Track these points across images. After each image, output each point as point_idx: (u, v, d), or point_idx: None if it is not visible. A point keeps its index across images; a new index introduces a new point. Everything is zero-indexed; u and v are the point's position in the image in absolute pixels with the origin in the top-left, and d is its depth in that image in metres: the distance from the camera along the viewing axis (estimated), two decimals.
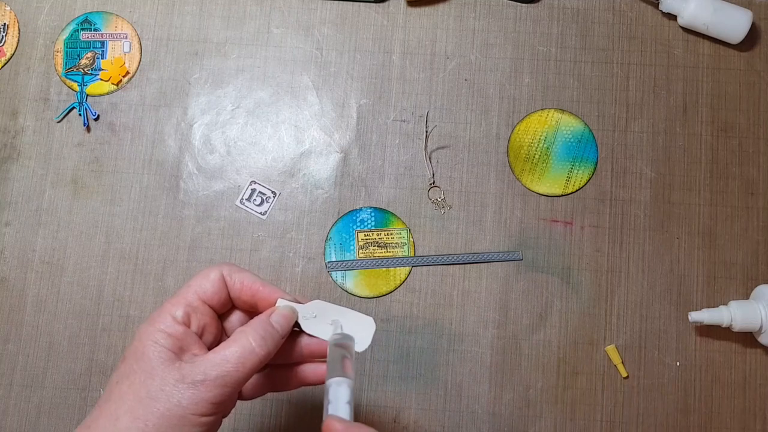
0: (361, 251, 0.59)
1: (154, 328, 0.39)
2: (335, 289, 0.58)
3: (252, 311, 0.43)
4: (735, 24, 0.59)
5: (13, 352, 0.57)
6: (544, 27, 0.62)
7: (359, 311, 0.43)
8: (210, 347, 0.41)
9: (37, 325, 0.58)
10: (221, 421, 0.40)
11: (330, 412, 0.37)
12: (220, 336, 0.42)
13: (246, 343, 0.39)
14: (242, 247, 0.59)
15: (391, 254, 0.59)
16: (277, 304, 0.42)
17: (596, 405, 0.56)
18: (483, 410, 0.56)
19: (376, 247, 0.59)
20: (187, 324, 0.40)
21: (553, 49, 0.62)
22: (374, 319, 0.42)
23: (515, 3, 0.63)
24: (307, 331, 0.43)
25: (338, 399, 0.38)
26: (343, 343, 0.41)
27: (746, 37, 0.60)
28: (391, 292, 0.58)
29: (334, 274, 0.58)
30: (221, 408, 0.38)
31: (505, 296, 0.58)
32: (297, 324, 0.43)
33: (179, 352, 0.39)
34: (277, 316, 0.41)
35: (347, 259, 0.59)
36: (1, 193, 0.60)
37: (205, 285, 0.41)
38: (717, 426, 0.56)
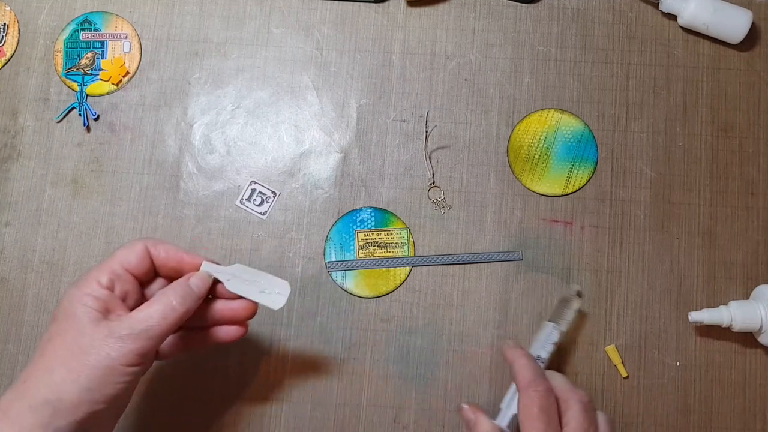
0: (361, 251, 0.59)
1: (82, 291, 0.43)
2: (335, 289, 0.58)
3: (176, 278, 0.47)
4: (735, 24, 0.59)
5: (13, 352, 0.57)
6: (544, 27, 0.62)
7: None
8: (132, 310, 0.45)
9: (37, 325, 0.58)
10: (140, 376, 0.45)
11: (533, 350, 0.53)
12: (141, 301, 0.46)
13: (167, 302, 0.44)
14: (242, 247, 0.59)
15: (391, 254, 0.59)
16: (201, 269, 0.47)
17: (596, 405, 0.56)
18: None
19: (376, 247, 0.59)
20: (111, 289, 0.44)
21: (553, 49, 0.62)
22: (289, 282, 0.48)
23: (515, 3, 0.63)
24: (231, 290, 0.47)
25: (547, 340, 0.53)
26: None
27: (746, 37, 0.60)
28: (391, 292, 0.58)
29: (334, 274, 0.58)
30: (145, 359, 0.43)
31: (505, 296, 0.58)
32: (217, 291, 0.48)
33: (105, 312, 0.43)
34: (195, 279, 0.46)
35: (347, 259, 0.59)
36: (1, 193, 0.60)
37: (129, 256, 0.45)
38: (717, 426, 0.56)
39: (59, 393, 0.40)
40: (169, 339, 0.48)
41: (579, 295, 0.56)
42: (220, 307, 0.48)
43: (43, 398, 0.40)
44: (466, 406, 0.49)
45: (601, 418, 0.47)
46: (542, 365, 0.53)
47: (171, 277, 0.48)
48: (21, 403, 0.40)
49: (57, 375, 0.40)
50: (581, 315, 0.57)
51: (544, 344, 0.53)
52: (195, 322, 0.47)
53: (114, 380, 0.41)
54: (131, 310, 0.44)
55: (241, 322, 0.48)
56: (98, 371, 0.41)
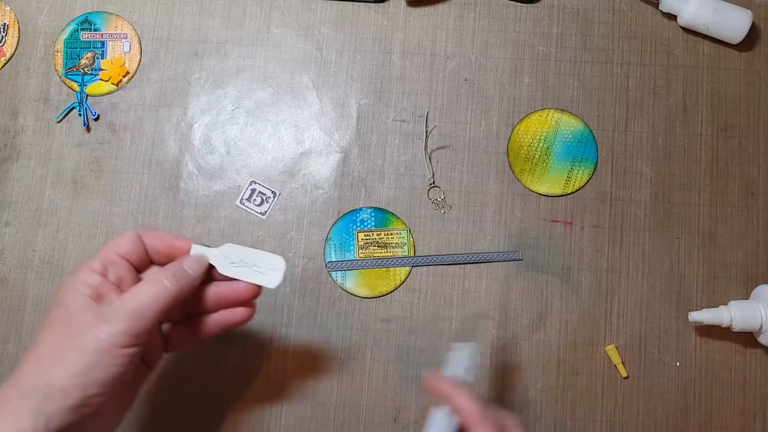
0: (361, 251, 0.59)
1: (74, 279, 0.42)
2: (335, 289, 0.58)
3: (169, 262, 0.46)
4: (735, 24, 0.59)
5: (13, 352, 0.57)
6: (544, 27, 0.62)
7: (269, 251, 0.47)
8: None
9: (37, 325, 0.58)
10: (146, 370, 0.46)
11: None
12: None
13: (157, 280, 0.43)
14: None
15: (391, 254, 0.59)
16: (191, 252, 0.46)
17: (596, 405, 0.56)
18: None
19: (376, 247, 0.59)
20: (104, 275, 0.43)
21: (553, 49, 0.62)
22: (283, 258, 0.47)
23: (515, 3, 0.63)
24: (223, 273, 0.46)
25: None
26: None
27: (746, 37, 0.60)
28: (391, 292, 0.58)
29: (334, 274, 0.58)
30: (138, 340, 0.41)
31: (505, 296, 0.58)
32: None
33: (97, 298, 0.42)
34: (188, 261, 0.45)
35: (347, 259, 0.59)
36: (1, 193, 0.60)
37: (121, 242, 0.44)
38: (717, 426, 0.56)
39: (48, 379, 0.39)
40: (176, 329, 0.47)
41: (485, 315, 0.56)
42: (223, 289, 0.47)
43: (33, 385, 0.39)
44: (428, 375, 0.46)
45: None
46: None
47: (165, 264, 0.46)
48: (12, 391, 0.39)
49: (45, 361, 0.40)
50: (581, 315, 0.57)
51: (468, 367, 0.48)
52: (199, 307, 0.46)
53: (105, 363, 0.40)
54: None
55: (247, 302, 0.47)
56: (87, 355, 0.40)
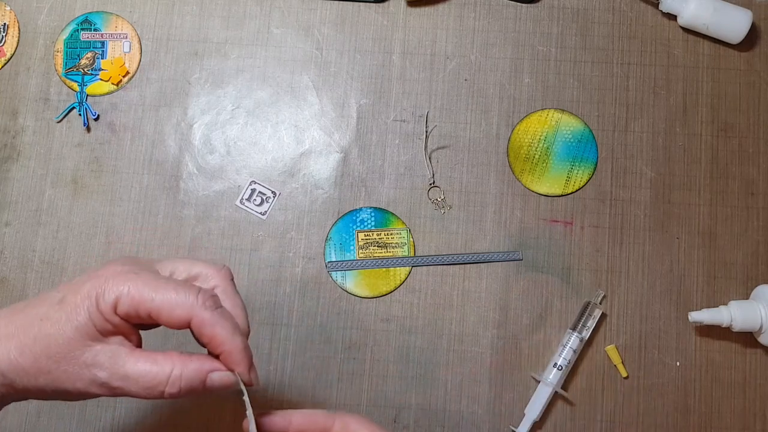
0: (361, 251, 0.59)
1: (98, 307, 0.37)
2: (335, 289, 0.58)
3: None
4: (735, 24, 0.59)
5: None
6: (544, 27, 0.62)
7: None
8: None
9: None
10: None
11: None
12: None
13: (162, 381, 0.37)
14: (242, 247, 0.59)
15: (391, 254, 0.59)
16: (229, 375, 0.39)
17: (596, 405, 0.56)
18: (483, 410, 0.56)
19: (376, 247, 0.59)
20: (127, 320, 0.37)
21: (553, 49, 0.62)
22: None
23: (515, 3, 0.63)
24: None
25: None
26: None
27: (746, 37, 0.60)
28: (391, 292, 0.58)
29: (334, 274, 0.58)
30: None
31: (505, 296, 0.58)
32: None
33: (105, 334, 0.37)
34: (217, 377, 0.38)
35: (347, 259, 0.59)
36: (1, 193, 0.60)
37: (164, 316, 0.37)
38: (717, 426, 0.56)
39: (17, 377, 0.36)
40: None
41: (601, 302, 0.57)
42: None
43: (1, 370, 0.36)
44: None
45: None
46: (560, 372, 0.55)
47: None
48: None
49: (24, 361, 0.36)
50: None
51: (564, 353, 0.55)
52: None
53: (64, 397, 0.38)
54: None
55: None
56: (56, 386, 0.37)
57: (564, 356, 0.55)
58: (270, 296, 0.58)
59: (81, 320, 0.36)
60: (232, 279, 0.42)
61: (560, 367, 0.55)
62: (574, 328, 0.56)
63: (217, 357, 0.39)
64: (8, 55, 0.62)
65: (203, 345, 0.39)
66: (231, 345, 0.38)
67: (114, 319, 0.37)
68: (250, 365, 0.39)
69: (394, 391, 0.57)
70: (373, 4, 0.63)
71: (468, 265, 0.59)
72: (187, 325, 0.38)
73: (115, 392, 0.37)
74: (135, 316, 0.37)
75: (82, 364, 0.37)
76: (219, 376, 0.38)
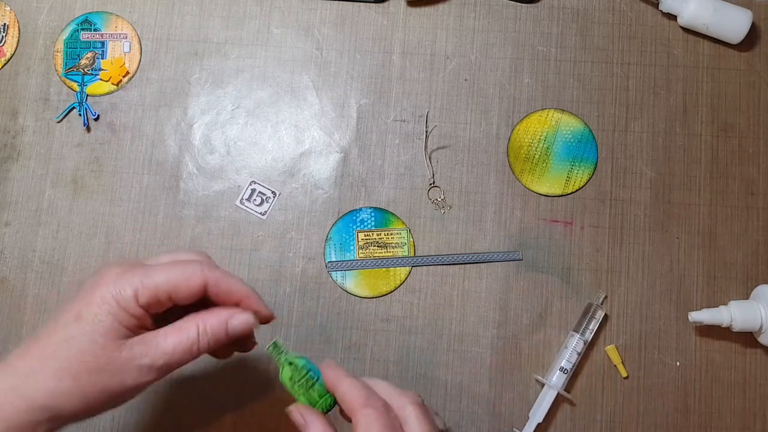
0: (361, 251, 0.59)
1: (117, 303, 0.39)
2: (335, 289, 0.58)
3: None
4: (735, 24, 0.59)
5: None
6: (544, 27, 0.62)
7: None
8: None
9: (37, 325, 0.58)
10: None
11: None
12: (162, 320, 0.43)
13: (195, 338, 0.41)
14: (242, 247, 0.59)
15: (391, 254, 0.59)
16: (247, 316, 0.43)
17: (596, 405, 0.56)
18: (483, 410, 0.56)
19: (376, 247, 0.59)
20: (147, 309, 0.40)
21: (553, 49, 0.62)
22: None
23: (515, 3, 0.63)
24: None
25: None
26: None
27: (746, 37, 0.60)
28: (391, 292, 0.58)
29: (334, 274, 0.58)
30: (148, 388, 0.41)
31: (505, 296, 0.58)
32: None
33: (133, 328, 0.40)
34: (235, 322, 0.42)
35: (347, 259, 0.59)
36: (1, 193, 0.60)
37: (181, 288, 0.41)
38: (717, 426, 0.56)
39: (63, 404, 0.38)
40: None
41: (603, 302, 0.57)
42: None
43: (44, 404, 0.38)
44: (293, 408, 0.43)
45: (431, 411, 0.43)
46: (566, 376, 0.55)
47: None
48: (19, 399, 0.38)
49: (65, 386, 0.38)
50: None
51: (568, 355, 0.55)
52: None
53: (117, 402, 0.40)
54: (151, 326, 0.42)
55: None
56: (109, 393, 0.39)
57: (569, 359, 0.55)
58: (270, 296, 0.58)
59: (107, 324, 0.39)
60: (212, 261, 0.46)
61: (565, 371, 0.55)
62: (576, 331, 0.56)
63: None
64: (8, 55, 0.62)
65: (220, 303, 0.43)
66: (246, 290, 0.43)
67: (138, 311, 0.40)
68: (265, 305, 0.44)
69: None
70: (373, 4, 0.63)
71: (468, 265, 0.59)
72: (202, 292, 0.41)
73: (161, 371, 0.40)
74: (155, 303, 0.40)
75: (123, 361, 0.39)
76: (237, 319, 0.42)
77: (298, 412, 0.42)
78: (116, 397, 0.40)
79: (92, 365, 0.38)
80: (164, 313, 0.42)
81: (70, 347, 0.39)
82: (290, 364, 0.43)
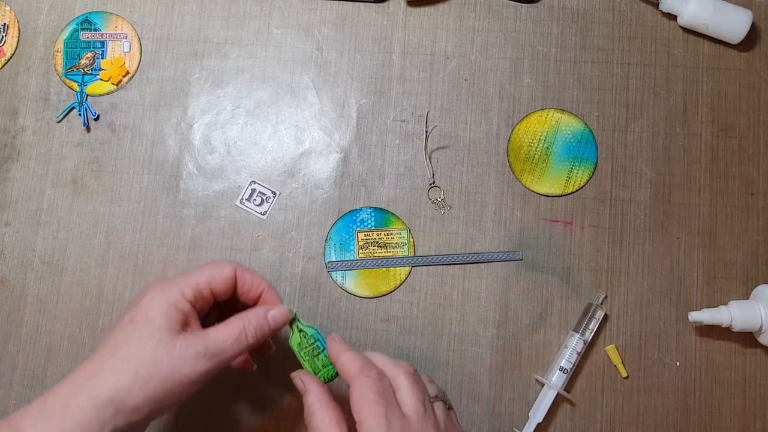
0: (361, 251, 0.59)
1: (166, 300, 0.44)
2: (335, 289, 0.58)
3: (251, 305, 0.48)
4: (735, 24, 0.59)
5: (13, 352, 0.57)
6: (544, 27, 0.62)
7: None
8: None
9: (37, 325, 0.58)
10: None
11: None
12: (213, 321, 0.47)
13: (242, 329, 0.45)
14: (242, 247, 0.59)
15: (391, 254, 0.59)
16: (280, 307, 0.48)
17: (596, 405, 0.56)
18: (483, 410, 0.56)
19: (376, 247, 0.59)
20: (193, 304, 0.45)
21: (553, 49, 0.62)
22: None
23: (515, 3, 0.63)
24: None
25: None
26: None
27: (746, 37, 0.60)
28: (391, 292, 0.58)
29: (334, 274, 0.58)
30: (206, 380, 0.44)
31: (505, 296, 0.58)
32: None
33: (183, 325, 0.44)
34: (275, 312, 0.47)
35: (347, 259, 0.59)
36: (1, 193, 0.60)
37: (218, 279, 0.46)
38: (717, 426, 0.56)
39: (125, 397, 0.40)
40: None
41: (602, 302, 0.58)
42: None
43: (108, 398, 0.40)
44: (296, 374, 0.47)
45: (424, 378, 0.46)
46: (566, 376, 0.55)
47: (244, 303, 0.48)
48: (84, 398, 0.40)
49: (126, 379, 0.41)
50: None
51: (568, 355, 0.55)
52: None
53: (178, 393, 0.42)
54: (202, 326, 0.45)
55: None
56: (168, 384, 0.42)
57: (569, 359, 0.55)
58: None
59: (160, 322, 0.43)
60: None
61: (565, 371, 0.55)
62: (576, 331, 0.56)
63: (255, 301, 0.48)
64: (8, 55, 0.62)
65: (243, 295, 0.48)
66: (266, 283, 0.48)
67: (186, 306, 0.44)
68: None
69: None
70: (373, 4, 0.63)
71: (468, 265, 0.59)
72: (234, 281, 0.47)
73: (215, 359, 0.43)
74: (200, 297, 0.45)
75: (179, 351, 0.42)
76: (275, 311, 0.47)
77: (300, 378, 0.46)
78: (175, 389, 0.42)
79: (150, 358, 0.42)
80: (206, 318, 0.47)
81: (128, 345, 0.42)
82: (300, 331, 0.48)
